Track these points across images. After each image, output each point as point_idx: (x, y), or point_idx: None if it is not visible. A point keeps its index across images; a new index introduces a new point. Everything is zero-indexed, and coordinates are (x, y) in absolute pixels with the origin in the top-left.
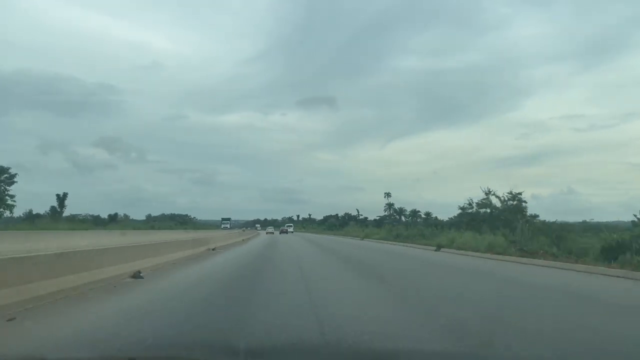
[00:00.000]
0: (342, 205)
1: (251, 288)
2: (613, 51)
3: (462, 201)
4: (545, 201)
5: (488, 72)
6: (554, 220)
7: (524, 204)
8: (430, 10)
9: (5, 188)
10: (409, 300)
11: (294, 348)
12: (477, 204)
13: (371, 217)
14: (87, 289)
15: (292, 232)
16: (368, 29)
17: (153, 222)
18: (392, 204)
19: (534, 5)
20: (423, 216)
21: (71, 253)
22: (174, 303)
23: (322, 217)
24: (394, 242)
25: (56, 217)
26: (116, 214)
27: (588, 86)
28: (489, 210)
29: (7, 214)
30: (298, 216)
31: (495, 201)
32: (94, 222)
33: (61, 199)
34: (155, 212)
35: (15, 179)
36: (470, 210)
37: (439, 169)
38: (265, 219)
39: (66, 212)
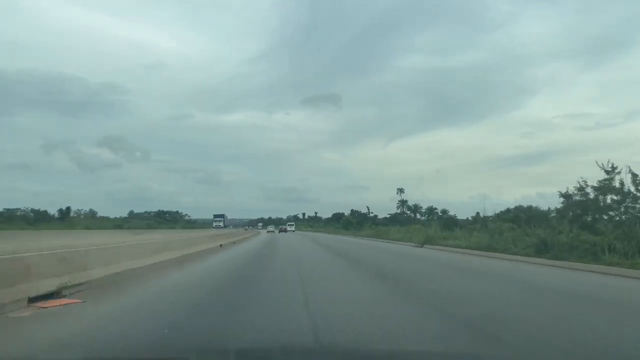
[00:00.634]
0: (347, 204)
1: None
2: (618, 48)
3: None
4: (551, 200)
5: (492, 70)
6: None
7: None
8: (434, 9)
9: None
10: None
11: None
12: (596, 187)
13: (380, 215)
14: None
15: (292, 230)
16: (372, 28)
17: (130, 220)
18: (405, 201)
19: (538, 2)
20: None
21: None
22: None
23: (330, 215)
24: (492, 255)
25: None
26: (69, 209)
27: (593, 84)
28: (616, 197)
29: None
30: (304, 214)
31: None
32: (37, 219)
33: None
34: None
35: None
36: (580, 198)
37: (443, 168)
38: (270, 218)
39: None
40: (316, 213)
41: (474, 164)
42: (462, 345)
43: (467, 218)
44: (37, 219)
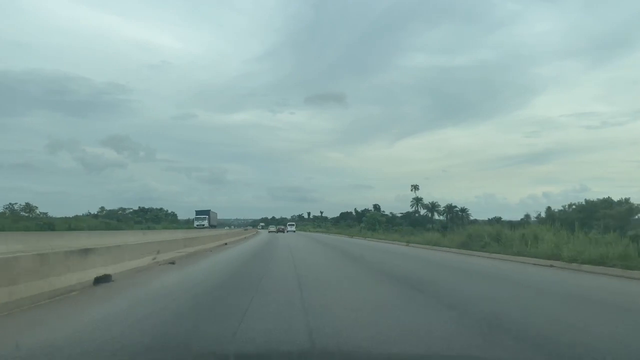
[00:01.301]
0: (352, 203)
1: None
2: (624, 47)
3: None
4: (556, 199)
5: (497, 69)
6: None
7: None
8: (439, 8)
9: None
10: None
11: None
12: None
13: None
14: None
15: (293, 231)
16: (377, 27)
17: (84, 220)
18: (420, 199)
19: (543, 1)
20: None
21: None
22: None
23: (337, 214)
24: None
25: None
26: None
27: (599, 83)
28: None
29: None
30: (309, 214)
31: None
32: None
33: None
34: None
35: None
36: None
37: (448, 167)
38: (273, 217)
39: None
40: (322, 212)
41: (479, 163)
42: None
43: (487, 219)
44: None
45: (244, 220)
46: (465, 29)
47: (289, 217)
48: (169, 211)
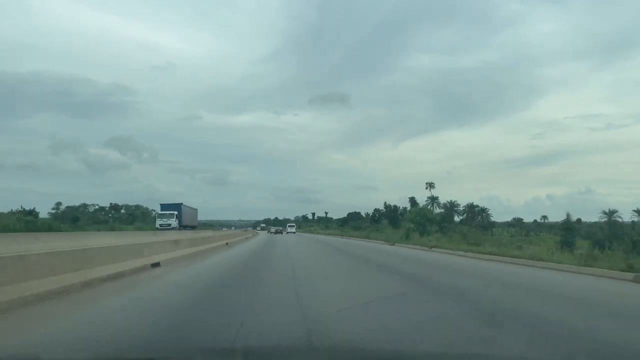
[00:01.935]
0: (356, 205)
1: None
2: (630, 48)
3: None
4: (560, 201)
5: (502, 70)
6: None
7: None
8: (443, 9)
9: None
10: None
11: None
12: None
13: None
14: None
15: (293, 232)
16: (381, 28)
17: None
18: (436, 198)
19: (548, 2)
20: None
21: None
22: None
23: (344, 215)
24: None
25: None
26: None
27: (604, 85)
28: None
29: None
30: (314, 214)
31: None
32: None
33: None
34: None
35: None
36: None
37: (453, 168)
38: (276, 218)
39: None
40: (327, 213)
41: (484, 164)
42: None
43: (507, 220)
44: None
45: (247, 221)
46: (470, 30)
47: (292, 218)
48: (150, 209)
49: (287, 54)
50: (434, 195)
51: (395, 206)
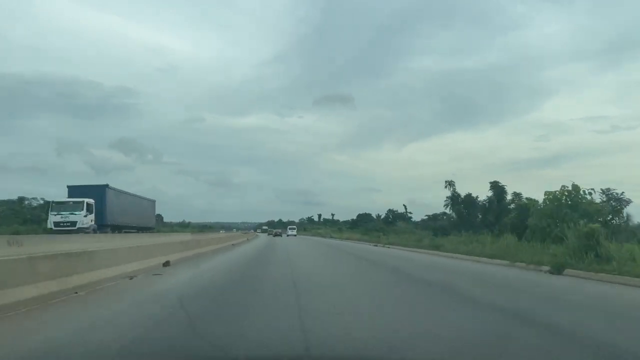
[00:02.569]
0: (361, 207)
1: None
2: (635, 49)
3: None
4: None
5: (506, 72)
6: None
7: None
8: (448, 10)
9: None
10: None
11: None
12: None
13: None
14: None
15: (294, 235)
16: (385, 30)
17: None
18: (458, 196)
19: (553, 3)
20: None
21: None
22: None
23: (353, 216)
24: None
25: None
26: None
27: (610, 86)
28: None
29: None
30: (320, 216)
31: None
32: None
33: None
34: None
35: None
36: None
37: (457, 170)
38: (280, 220)
39: None
40: (333, 215)
41: (488, 166)
42: None
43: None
44: None
45: (250, 223)
46: (474, 31)
47: (297, 220)
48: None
49: (292, 56)
50: (456, 194)
51: (368, 214)
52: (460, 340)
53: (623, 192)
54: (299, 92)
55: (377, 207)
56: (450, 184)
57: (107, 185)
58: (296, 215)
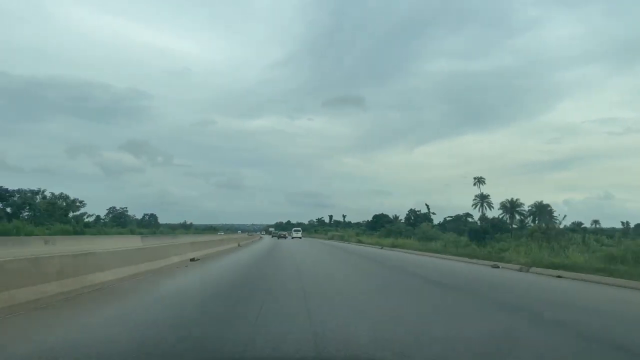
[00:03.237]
0: (371, 209)
1: None
2: None
3: None
4: (578, 206)
5: (518, 74)
6: None
7: None
8: (459, 13)
9: None
10: None
11: None
12: None
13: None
14: None
15: (299, 237)
16: (396, 32)
17: None
18: (487, 196)
19: (566, 5)
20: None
21: None
22: None
23: (370, 217)
24: None
25: None
26: None
27: (623, 88)
28: None
29: None
30: (331, 217)
31: None
32: None
33: None
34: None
35: None
36: None
37: (468, 173)
38: (289, 221)
39: None
40: (344, 216)
41: (500, 169)
42: None
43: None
44: None
45: (259, 225)
46: (486, 34)
47: (306, 221)
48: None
49: (302, 59)
50: (485, 194)
51: (385, 214)
52: None
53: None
54: (308, 94)
55: (388, 209)
56: (479, 180)
57: None
58: (305, 217)
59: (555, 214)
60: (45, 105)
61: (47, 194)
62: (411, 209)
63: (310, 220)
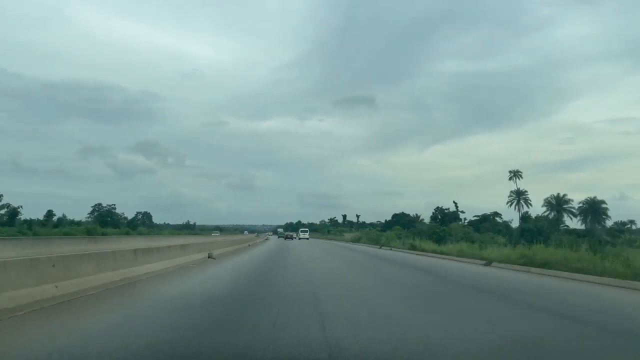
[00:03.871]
0: (384, 209)
1: None
2: None
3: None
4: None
5: (530, 74)
6: None
7: None
8: (470, 13)
9: None
10: None
11: None
12: None
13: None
14: None
15: (306, 238)
16: (407, 33)
17: None
18: (523, 192)
19: (578, 5)
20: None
21: None
22: None
23: (390, 217)
24: None
25: None
26: None
27: (636, 88)
28: None
29: None
30: (344, 216)
31: None
32: None
33: None
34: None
35: None
36: None
37: (481, 174)
38: (299, 222)
39: None
40: (358, 216)
41: (512, 169)
42: None
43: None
44: None
45: (270, 226)
46: (497, 34)
47: (317, 222)
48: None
49: (313, 60)
50: (521, 189)
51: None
52: None
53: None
54: (319, 95)
55: (400, 209)
56: (516, 174)
57: None
58: (316, 217)
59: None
60: (60, 107)
61: None
62: (438, 207)
63: (322, 221)
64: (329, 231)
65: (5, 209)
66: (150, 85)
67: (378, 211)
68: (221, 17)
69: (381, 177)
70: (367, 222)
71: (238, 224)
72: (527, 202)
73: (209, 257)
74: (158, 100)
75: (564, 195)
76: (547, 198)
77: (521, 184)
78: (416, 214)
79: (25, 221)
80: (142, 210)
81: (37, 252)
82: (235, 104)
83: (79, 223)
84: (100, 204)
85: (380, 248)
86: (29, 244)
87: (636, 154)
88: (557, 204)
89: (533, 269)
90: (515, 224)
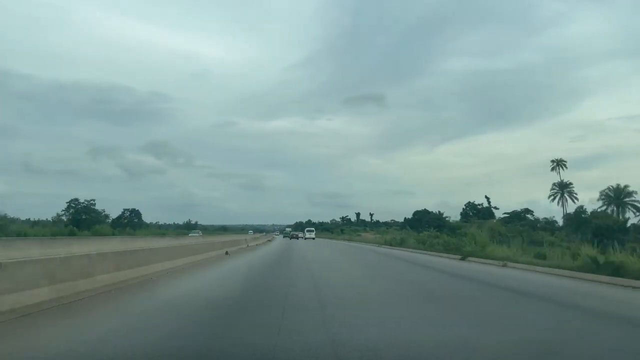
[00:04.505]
0: (395, 209)
1: None
2: None
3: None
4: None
5: (541, 71)
6: None
7: None
8: (480, 10)
9: None
10: None
11: None
12: None
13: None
14: None
15: (312, 238)
16: (416, 31)
17: None
18: (568, 185)
19: (590, 1)
20: None
21: None
22: None
23: (410, 215)
24: None
25: None
26: None
27: None
28: None
29: None
30: (358, 215)
31: None
32: None
33: None
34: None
35: None
36: None
37: (491, 172)
38: (309, 221)
39: None
40: (372, 215)
41: (523, 168)
42: None
43: None
44: None
45: (279, 225)
46: (507, 31)
47: (328, 221)
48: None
49: (322, 59)
50: (566, 182)
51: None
52: None
53: None
54: (328, 94)
55: (411, 208)
56: (559, 164)
57: None
58: (325, 217)
59: None
60: (69, 108)
61: None
62: (469, 202)
63: (333, 220)
64: (342, 230)
65: None
66: (159, 86)
67: (389, 210)
68: (230, 16)
69: (391, 176)
70: (382, 220)
71: (248, 223)
72: (572, 196)
73: None
74: (167, 101)
75: (625, 186)
76: (603, 190)
77: (533, 183)
78: (439, 211)
79: None
80: (143, 209)
81: None
82: (244, 104)
83: (40, 223)
84: (77, 199)
85: (463, 259)
86: None
87: None
88: (616, 197)
89: None
90: (557, 220)
